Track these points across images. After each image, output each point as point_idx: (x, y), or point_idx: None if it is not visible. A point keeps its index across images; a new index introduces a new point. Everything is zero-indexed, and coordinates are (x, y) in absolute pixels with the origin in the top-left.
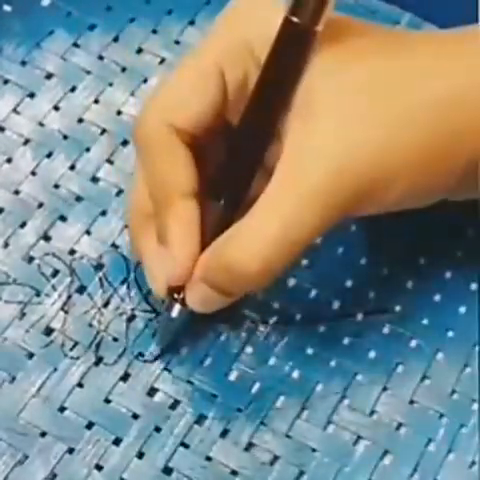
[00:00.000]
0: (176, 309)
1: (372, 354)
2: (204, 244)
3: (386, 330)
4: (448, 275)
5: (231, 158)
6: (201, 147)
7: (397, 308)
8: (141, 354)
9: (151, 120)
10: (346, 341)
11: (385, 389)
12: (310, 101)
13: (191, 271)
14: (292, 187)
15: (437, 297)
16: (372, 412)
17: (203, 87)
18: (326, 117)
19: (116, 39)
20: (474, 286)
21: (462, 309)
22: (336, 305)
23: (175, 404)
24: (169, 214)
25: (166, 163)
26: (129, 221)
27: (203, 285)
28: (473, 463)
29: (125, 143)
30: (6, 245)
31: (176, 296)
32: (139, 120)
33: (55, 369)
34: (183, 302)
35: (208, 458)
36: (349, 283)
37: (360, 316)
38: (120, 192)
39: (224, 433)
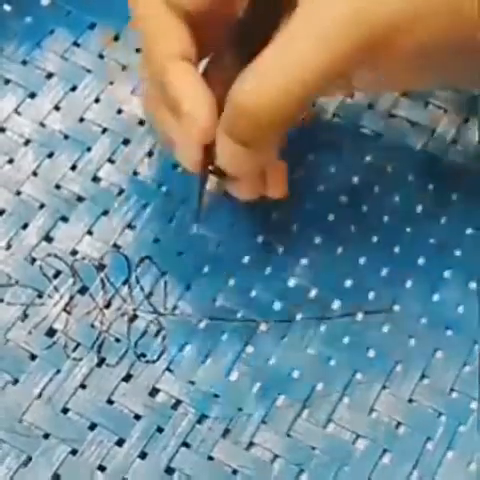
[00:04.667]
0: (211, 181)
1: (372, 353)
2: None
3: (386, 329)
4: (448, 275)
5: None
6: (199, 30)
7: (397, 308)
8: (143, 355)
9: None
10: (346, 340)
11: (384, 388)
12: None
13: (213, 124)
14: (309, 26)
15: (436, 296)
16: (371, 411)
17: None
18: None
19: (116, 38)
20: (473, 285)
21: (461, 308)
22: (336, 305)
23: (177, 404)
24: (168, 75)
25: (160, 26)
26: (148, 110)
27: (227, 140)
28: (472, 461)
29: (126, 142)
30: (8, 246)
31: (210, 168)
32: None
33: (58, 370)
34: (218, 171)
35: (210, 458)
36: (349, 283)
37: (360, 316)
38: (122, 192)
39: (225, 433)
